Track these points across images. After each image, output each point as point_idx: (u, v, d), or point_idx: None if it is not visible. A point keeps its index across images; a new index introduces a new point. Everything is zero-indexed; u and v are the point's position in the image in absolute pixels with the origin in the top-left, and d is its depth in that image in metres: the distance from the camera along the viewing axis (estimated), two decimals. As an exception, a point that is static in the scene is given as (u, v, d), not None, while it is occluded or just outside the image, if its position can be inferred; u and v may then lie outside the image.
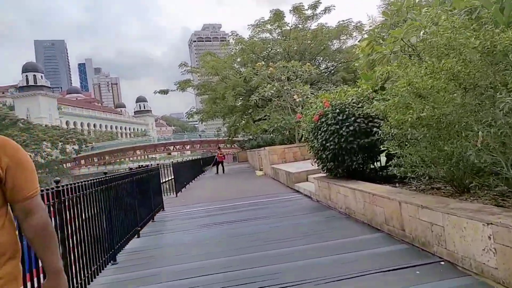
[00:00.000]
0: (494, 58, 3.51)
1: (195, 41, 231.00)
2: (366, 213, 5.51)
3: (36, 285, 2.92)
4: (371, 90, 7.24)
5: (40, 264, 2.76)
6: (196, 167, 23.48)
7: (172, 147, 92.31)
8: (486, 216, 3.14)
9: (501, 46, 3.35)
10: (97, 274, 4.33)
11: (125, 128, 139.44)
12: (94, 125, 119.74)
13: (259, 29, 29.18)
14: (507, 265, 2.85)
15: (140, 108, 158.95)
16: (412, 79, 4.19)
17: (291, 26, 29.12)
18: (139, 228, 6.73)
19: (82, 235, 3.98)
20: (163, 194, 11.47)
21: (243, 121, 34.26)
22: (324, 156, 7.37)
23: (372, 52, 7.89)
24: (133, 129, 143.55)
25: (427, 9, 6.41)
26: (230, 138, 41.45)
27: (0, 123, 64.25)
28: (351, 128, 6.70)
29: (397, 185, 6.02)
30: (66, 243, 3.53)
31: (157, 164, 10.30)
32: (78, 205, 3.93)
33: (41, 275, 3.01)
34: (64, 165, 74.35)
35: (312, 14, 28.97)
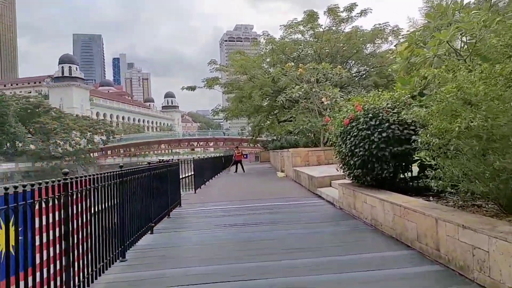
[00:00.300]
0: None
1: (226, 41, 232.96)
2: (395, 227, 5.04)
3: None
4: (408, 96, 6.74)
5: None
6: (218, 165, 23.34)
7: (196, 143, 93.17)
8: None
9: None
10: (103, 272, 4.10)
11: (152, 122, 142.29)
12: (123, 118, 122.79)
13: (291, 29, 28.68)
14: None
15: (168, 104, 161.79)
16: (462, 84, 3.72)
17: (324, 28, 28.46)
18: (153, 224, 6.51)
19: (89, 231, 3.76)
20: (181, 190, 11.31)
21: (268, 122, 33.89)
22: (351, 162, 6.92)
23: (412, 56, 7.41)
24: (160, 124, 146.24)
25: (476, 12, 5.87)
26: (253, 138, 41.21)
27: (34, 110, 66.75)
28: (384, 134, 6.24)
29: (431, 198, 5.51)
30: (70, 238, 3.30)
31: (178, 160, 10.12)
32: (87, 199, 3.69)
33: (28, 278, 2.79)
34: (91, 154, 76.47)
35: (347, 16, 28.16)
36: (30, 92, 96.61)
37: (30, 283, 2.66)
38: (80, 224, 3.54)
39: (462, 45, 6.30)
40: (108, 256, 4.30)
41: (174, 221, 7.70)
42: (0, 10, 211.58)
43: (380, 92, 7.59)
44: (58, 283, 3.09)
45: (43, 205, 2.88)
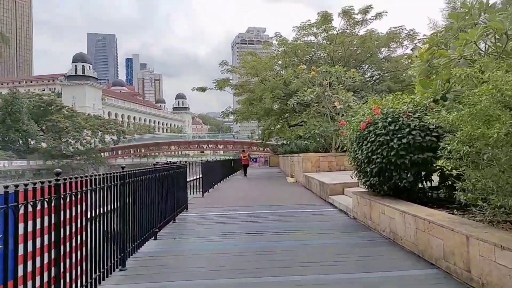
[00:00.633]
0: None
1: (238, 43, 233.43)
2: (417, 242, 4.62)
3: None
4: (431, 99, 6.32)
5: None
6: (226, 168, 23.04)
7: (206, 145, 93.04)
8: None
9: None
10: (99, 283, 3.78)
11: (162, 123, 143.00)
12: (134, 118, 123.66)
13: (304, 31, 28.16)
14: None
15: (178, 105, 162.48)
16: (501, 85, 3.32)
17: (338, 30, 27.91)
18: (157, 230, 6.19)
19: (85, 237, 3.45)
20: (189, 193, 11.01)
21: (278, 125, 33.47)
22: (368, 169, 6.53)
23: (433, 58, 7.04)
24: (170, 125, 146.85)
25: (502, 13, 5.47)
26: (263, 142, 40.83)
27: (47, 108, 67.38)
28: (404, 140, 5.85)
29: (455, 212, 5.08)
30: (62, 246, 2.99)
31: (185, 162, 9.82)
32: (83, 203, 3.38)
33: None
34: (102, 154, 76.88)
35: (362, 19, 27.54)
36: (44, 90, 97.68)
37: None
38: (74, 230, 3.22)
39: (487, 47, 5.90)
40: (106, 265, 3.99)
41: (179, 227, 7.38)
42: (17, 8, 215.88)
43: (400, 95, 7.18)
44: (46, 297, 2.77)
45: (30, 208, 2.57)
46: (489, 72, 3.64)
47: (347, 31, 28.31)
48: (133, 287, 3.90)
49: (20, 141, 63.88)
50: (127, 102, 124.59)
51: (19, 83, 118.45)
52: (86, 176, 3.44)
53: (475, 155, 4.11)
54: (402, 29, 27.33)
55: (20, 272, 2.46)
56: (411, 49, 24.08)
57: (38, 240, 2.67)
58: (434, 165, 6.06)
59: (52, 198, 2.83)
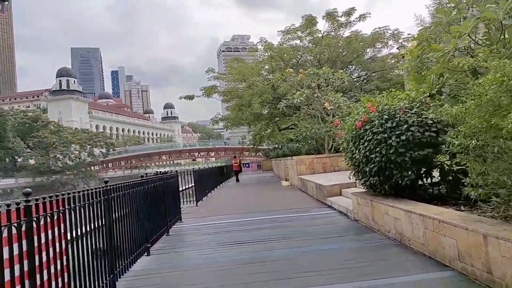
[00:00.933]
0: None
1: (223, 51, 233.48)
2: (427, 243, 4.35)
3: None
4: (426, 95, 6.13)
5: None
6: (219, 175, 22.67)
7: (197, 153, 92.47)
8: None
9: None
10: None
11: (152, 133, 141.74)
12: (123, 130, 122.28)
13: (289, 35, 28.12)
14: None
15: (167, 115, 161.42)
16: (510, 73, 3.09)
17: (323, 33, 27.93)
18: (149, 245, 5.83)
19: (66, 262, 3.09)
20: (182, 203, 10.64)
21: (269, 130, 33.23)
22: (366, 169, 6.27)
23: (423, 54, 6.92)
24: (160, 135, 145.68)
25: (491, 5, 5.32)
26: (254, 147, 40.55)
27: (32, 125, 66.09)
28: (403, 137, 5.62)
29: (462, 208, 4.85)
30: (38, 275, 2.62)
31: (176, 171, 9.45)
32: (61, 224, 3.03)
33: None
34: (92, 167, 75.62)
35: (346, 21, 27.65)
36: (29, 106, 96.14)
37: None
38: (52, 255, 2.86)
39: (477, 40, 5.76)
40: (93, 290, 3.62)
41: (173, 239, 7.01)
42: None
43: (393, 92, 6.98)
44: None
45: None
46: (495, 60, 3.40)
47: (332, 33, 28.40)
48: (124, 313, 3.54)
49: (7, 159, 62.45)
50: (115, 114, 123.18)
51: (3, 100, 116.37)
52: (63, 194, 3.09)
53: (480, 149, 3.89)
54: (387, 29, 27.54)
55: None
56: (397, 48, 24.11)
57: (7, 271, 2.31)
58: (434, 160, 5.85)
59: (22, 222, 2.48)
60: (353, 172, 7.15)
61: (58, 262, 2.97)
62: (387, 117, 5.93)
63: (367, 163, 6.25)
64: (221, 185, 21.74)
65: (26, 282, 2.50)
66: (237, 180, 24.54)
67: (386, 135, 5.80)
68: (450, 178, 5.98)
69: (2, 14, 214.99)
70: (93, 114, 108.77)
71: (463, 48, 5.68)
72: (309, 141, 20.60)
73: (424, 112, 5.73)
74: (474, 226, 3.52)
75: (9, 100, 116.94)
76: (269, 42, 28.49)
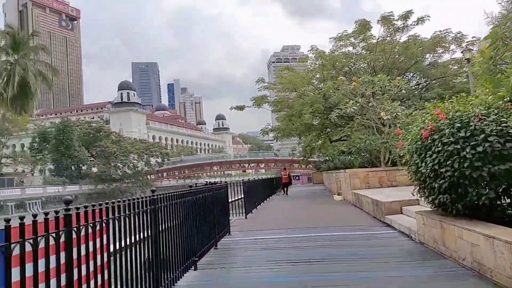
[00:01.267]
0: None
1: (273, 62, 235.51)
2: (517, 276, 3.64)
3: None
4: (507, 99, 5.37)
5: None
6: (269, 187, 22.32)
7: (247, 164, 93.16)
8: None
9: None
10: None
11: (204, 144, 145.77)
12: (177, 140, 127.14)
13: (341, 42, 27.27)
14: None
15: (219, 126, 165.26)
16: None
17: (378, 38, 26.72)
18: (196, 259, 5.61)
19: (107, 276, 2.91)
20: (231, 215, 10.44)
21: (320, 141, 32.38)
22: (435, 185, 5.57)
23: (497, 55, 6.12)
24: (212, 146, 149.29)
25: None
26: (305, 158, 39.76)
27: (96, 135, 70.95)
28: (479, 149, 4.92)
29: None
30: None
31: (225, 182, 9.28)
32: (103, 234, 2.86)
33: None
34: (148, 176, 79.16)
35: (402, 25, 26.19)
36: (93, 118, 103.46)
37: None
38: (92, 269, 2.69)
39: None
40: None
41: (222, 254, 6.75)
42: (67, 43, 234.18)
43: (465, 97, 6.24)
44: None
45: (29, 248, 2.06)
46: None
47: (388, 38, 27.05)
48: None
49: (73, 167, 67.38)
50: (170, 126, 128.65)
51: (71, 112, 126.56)
52: (107, 203, 2.93)
53: None
54: (448, 33, 25.67)
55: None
56: (461, 52, 22.29)
57: (42, 286, 2.14)
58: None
59: (61, 232, 2.32)
60: (418, 188, 6.44)
61: (99, 276, 2.79)
62: (459, 125, 5.24)
63: (435, 178, 5.56)
64: (271, 197, 21.38)
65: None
66: (286, 193, 23.82)
67: (458, 146, 5.12)
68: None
69: (72, 32, 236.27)
70: (150, 125, 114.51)
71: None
72: (362, 154, 19.60)
73: (504, 119, 5.00)
74: None
75: (76, 111, 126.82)
76: (320, 50, 27.90)
